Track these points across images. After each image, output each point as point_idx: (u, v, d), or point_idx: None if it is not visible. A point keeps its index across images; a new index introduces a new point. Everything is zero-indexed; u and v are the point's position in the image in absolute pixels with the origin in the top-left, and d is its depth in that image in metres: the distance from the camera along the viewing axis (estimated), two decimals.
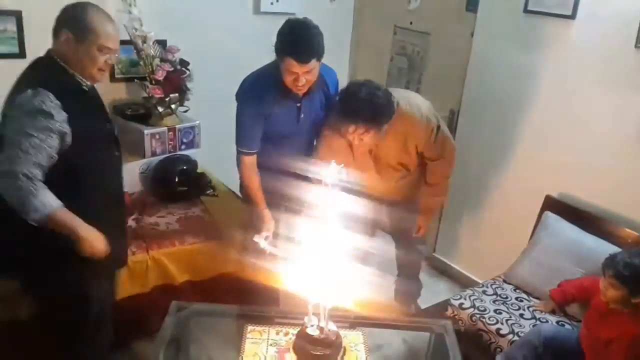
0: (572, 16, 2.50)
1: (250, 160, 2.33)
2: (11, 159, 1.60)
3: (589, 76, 2.49)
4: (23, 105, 1.63)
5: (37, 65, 1.78)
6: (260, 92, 2.26)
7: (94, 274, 1.89)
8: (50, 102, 1.63)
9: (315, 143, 2.45)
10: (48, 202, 1.61)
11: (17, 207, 1.60)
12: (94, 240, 1.73)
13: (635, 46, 2.29)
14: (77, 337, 1.96)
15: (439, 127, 2.34)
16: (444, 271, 3.36)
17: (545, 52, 2.65)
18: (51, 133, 1.63)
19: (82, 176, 1.76)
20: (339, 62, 3.72)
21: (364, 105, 2.10)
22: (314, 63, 2.14)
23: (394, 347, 2.63)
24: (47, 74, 1.73)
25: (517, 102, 2.80)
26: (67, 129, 1.67)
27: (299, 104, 2.32)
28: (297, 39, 2.12)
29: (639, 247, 2.20)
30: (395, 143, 2.33)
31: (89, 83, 1.81)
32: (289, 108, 2.31)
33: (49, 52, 1.79)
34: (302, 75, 2.15)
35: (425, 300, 3.00)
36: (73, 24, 1.72)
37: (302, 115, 2.35)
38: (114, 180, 1.96)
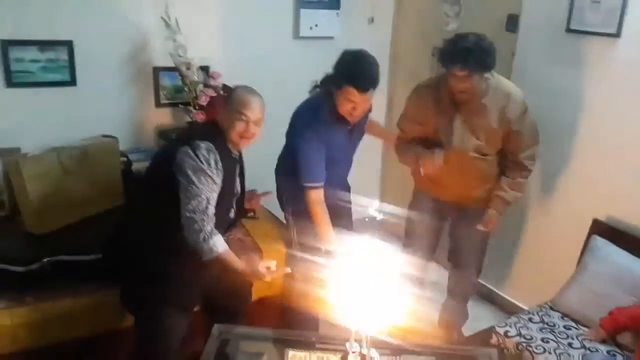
0: (617, 34, 2.44)
1: (319, 195, 2.32)
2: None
3: (637, 96, 2.42)
4: None
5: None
6: (318, 122, 2.30)
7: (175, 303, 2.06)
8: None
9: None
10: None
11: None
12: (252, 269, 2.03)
13: None
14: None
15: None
16: (487, 297, 3.27)
17: (589, 72, 2.59)
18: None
19: None
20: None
21: (471, 47, 2.13)
22: (372, 92, 2.21)
23: None
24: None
25: (561, 123, 2.73)
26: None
27: (349, 127, 2.38)
28: (359, 68, 2.20)
29: None
30: (488, 114, 2.30)
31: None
32: (342, 133, 2.38)
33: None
34: (359, 105, 2.22)
35: (469, 328, 2.92)
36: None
37: (352, 138, 2.44)
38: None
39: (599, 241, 2.46)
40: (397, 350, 2.02)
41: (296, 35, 3.40)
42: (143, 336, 2.08)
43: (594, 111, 2.60)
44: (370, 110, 2.37)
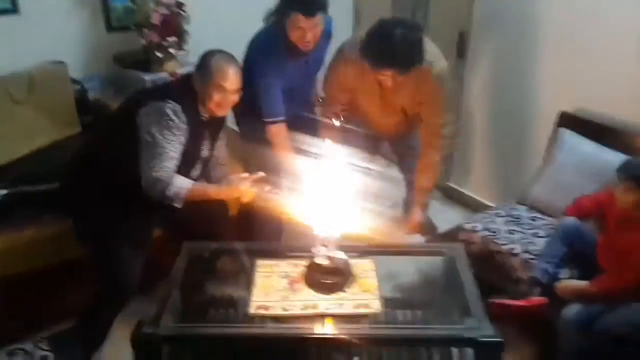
0: None
1: (280, 129, 2.33)
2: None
3: None
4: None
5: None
6: (272, 55, 2.26)
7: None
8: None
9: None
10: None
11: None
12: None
13: None
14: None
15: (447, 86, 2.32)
16: (458, 199, 3.33)
17: None
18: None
19: None
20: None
21: (399, 49, 2.02)
22: (319, 16, 2.16)
23: (408, 275, 2.63)
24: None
25: (528, 19, 2.66)
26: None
27: (306, 58, 2.34)
28: None
29: None
30: (408, 86, 2.25)
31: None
32: (299, 64, 2.34)
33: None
34: (308, 30, 2.17)
35: (440, 229, 2.98)
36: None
37: (310, 67, 2.41)
38: None
39: (566, 133, 2.46)
40: (365, 252, 2.06)
41: None
42: (100, 271, 2.09)
43: (558, 5, 2.51)
44: (319, 35, 2.26)
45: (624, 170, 1.87)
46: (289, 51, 2.28)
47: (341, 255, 1.84)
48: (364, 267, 1.98)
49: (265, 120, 2.34)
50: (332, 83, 2.40)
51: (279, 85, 2.30)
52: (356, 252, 2.04)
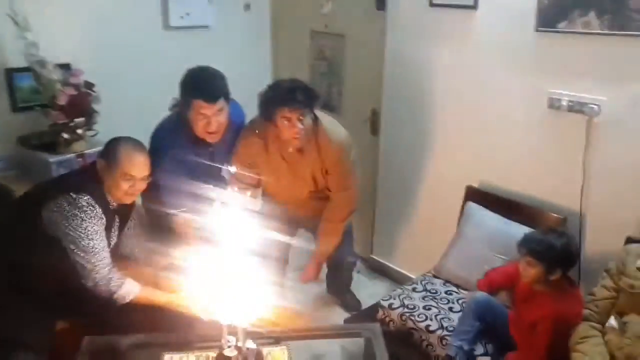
0: (474, 6, 2.52)
1: (185, 219, 2.28)
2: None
3: (494, 64, 2.51)
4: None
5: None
6: (175, 148, 2.24)
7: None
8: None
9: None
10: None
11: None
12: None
13: (535, 30, 2.31)
14: None
15: (350, 158, 2.39)
16: (382, 271, 3.33)
17: (452, 44, 2.66)
18: None
19: None
20: (260, 72, 3.68)
21: (295, 87, 2.17)
22: (222, 102, 2.18)
23: (333, 355, 2.57)
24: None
25: (432, 97, 2.80)
26: None
27: (211, 149, 2.34)
28: (202, 80, 2.18)
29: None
30: (310, 156, 2.34)
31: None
32: (203, 153, 2.32)
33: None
34: (213, 117, 2.18)
35: (365, 303, 2.96)
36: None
37: (217, 158, 2.37)
38: None
39: (473, 207, 2.55)
40: (280, 338, 1.98)
41: (166, 25, 3.24)
42: None
43: (459, 82, 2.68)
44: (225, 123, 2.28)
45: (523, 245, 1.94)
46: (191, 142, 2.27)
47: (251, 344, 1.75)
48: (278, 356, 1.90)
49: (167, 211, 2.29)
50: (238, 160, 2.39)
51: (181, 174, 2.25)
52: (270, 339, 1.96)
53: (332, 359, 2.55)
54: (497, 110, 2.55)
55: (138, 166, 1.98)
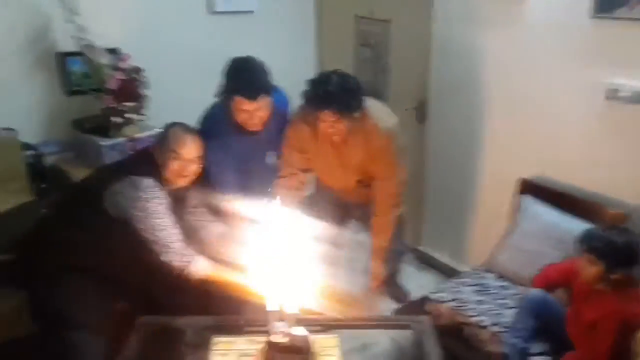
0: None
1: (234, 207, 2.24)
2: None
3: (547, 51, 2.40)
4: None
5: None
6: (220, 135, 2.23)
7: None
8: None
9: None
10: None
11: None
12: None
13: (591, 16, 2.19)
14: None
15: (397, 146, 2.32)
16: (430, 263, 3.27)
17: (503, 30, 2.56)
18: None
19: None
20: (304, 57, 3.65)
21: (336, 90, 2.08)
22: (263, 99, 2.14)
23: (381, 346, 2.53)
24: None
25: (481, 85, 2.71)
26: None
27: (257, 136, 2.31)
28: (243, 76, 2.14)
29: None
30: (358, 144, 2.29)
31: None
32: (249, 141, 2.30)
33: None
34: (253, 114, 2.15)
35: (413, 294, 2.90)
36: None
37: (264, 146, 2.37)
38: None
39: (527, 200, 2.45)
40: (329, 326, 1.96)
41: (211, 9, 3.23)
42: (54, 358, 1.95)
43: (510, 69, 2.57)
44: (267, 116, 2.25)
45: (583, 241, 1.85)
46: (236, 129, 2.25)
47: (301, 331, 1.74)
48: (327, 344, 1.88)
49: (218, 198, 2.28)
50: (289, 144, 2.37)
51: (229, 162, 2.26)
52: (318, 327, 1.94)
53: (381, 349, 2.49)
54: (551, 101, 2.45)
55: (186, 146, 2.01)
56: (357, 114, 2.17)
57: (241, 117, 2.19)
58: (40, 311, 1.95)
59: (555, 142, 2.47)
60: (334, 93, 2.08)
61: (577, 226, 2.19)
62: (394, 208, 2.47)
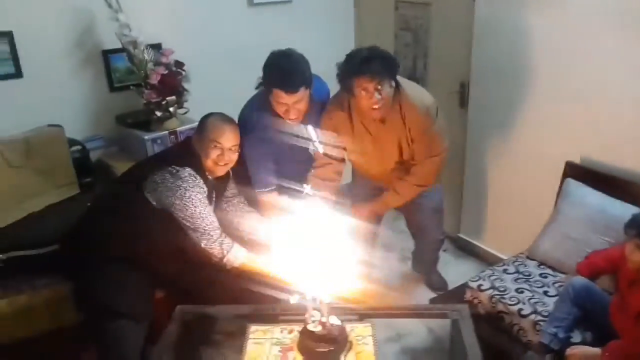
0: None
1: (270, 199, 2.31)
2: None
3: (597, 29, 2.28)
4: None
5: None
6: (261, 126, 2.25)
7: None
8: None
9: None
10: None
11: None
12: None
13: None
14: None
15: (436, 124, 2.28)
16: (470, 251, 3.21)
17: (549, 8, 2.44)
18: None
19: None
20: (344, 45, 3.59)
21: (371, 56, 2.09)
22: (302, 92, 2.14)
23: (417, 335, 2.53)
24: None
25: (527, 66, 2.61)
26: None
27: (297, 129, 2.31)
28: (283, 69, 2.14)
29: None
30: (395, 125, 2.25)
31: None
32: (290, 132, 2.30)
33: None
34: (292, 106, 2.16)
35: (452, 282, 2.88)
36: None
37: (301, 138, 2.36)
38: None
39: (572, 184, 2.36)
40: (364, 315, 1.96)
41: (250, 2, 3.25)
42: (100, 345, 2.05)
43: (559, 49, 2.46)
44: (305, 109, 2.24)
45: (632, 227, 1.77)
46: (278, 121, 2.26)
47: (336, 320, 1.75)
48: (362, 333, 1.89)
49: (255, 190, 2.33)
50: (323, 133, 2.36)
51: (268, 153, 2.28)
52: (354, 315, 1.95)
53: (417, 338, 2.50)
54: (599, 81, 2.33)
55: (225, 134, 2.04)
56: (393, 88, 2.14)
57: (280, 110, 2.20)
58: (85, 301, 2.04)
59: (603, 123, 2.36)
60: (369, 58, 2.07)
61: (625, 211, 2.08)
62: (425, 184, 2.41)
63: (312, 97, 2.27)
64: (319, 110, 2.38)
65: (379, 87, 2.08)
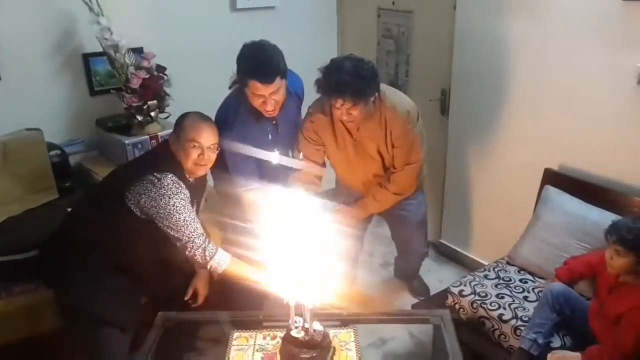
0: None
1: (254, 195, 2.26)
2: None
3: (576, 37, 2.33)
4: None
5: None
6: (237, 125, 2.23)
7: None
8: None
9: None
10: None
11: None
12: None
13: None
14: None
15: (417, 129, 2.28)
16: (451, 257, 3.24)
17: (529, 16, 2.49)
18: None
19: None
20: (327, 51, 3.64)
21: (349, 77, 2.03)
22: (278, 82, 2.13)
23: (400, 341, 2.54)
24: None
25: (507, 74, 2.65)
26: None
27: (274, 122, 2.32)
28: (258, 59, 2.12)
29: None
30: (376, 130, 2.26)
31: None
32: (266, 127, 2.30)
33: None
34: (269, 97, 2.14)
35: (434, 288, 2.90)
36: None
37: (280, 129, 2.35)
38: None
39: (551, 191, 2.40)
40: (347, 321, 1.97)
41: (233, 7, 3.26)
42: (80, 351, 2.02)
43: (537, 57, 2.51)
44: (282, 100, 2.23)
45: (612, 233, 1.80)
46: (253, 116, 2.25)
47: (318, 326, 1.75)
48: (345, 338, 1.90)
49: (236, 188, 2.29)
50: (304, 142, 2.36)
51: (248, 150, 2.24)
52: (337, 321, 1.95)
53: (400, 344, 2.51)
54: (578, 88, 2.38)
55: (204, 133, 2.01)
56: (372, 99, 2.14)
57: (257, 102, 2.18)
58: (69, 308, 1.99)
59: (581, 130, 2.40)
60: (347, 81, 2.03)
61: (603, 217, 2.14)
62: (402, 192, 2.42)
63: (287, 89, 2.26)
64: (295, 102, 2.38)
65: (352, 111, 2.10)
